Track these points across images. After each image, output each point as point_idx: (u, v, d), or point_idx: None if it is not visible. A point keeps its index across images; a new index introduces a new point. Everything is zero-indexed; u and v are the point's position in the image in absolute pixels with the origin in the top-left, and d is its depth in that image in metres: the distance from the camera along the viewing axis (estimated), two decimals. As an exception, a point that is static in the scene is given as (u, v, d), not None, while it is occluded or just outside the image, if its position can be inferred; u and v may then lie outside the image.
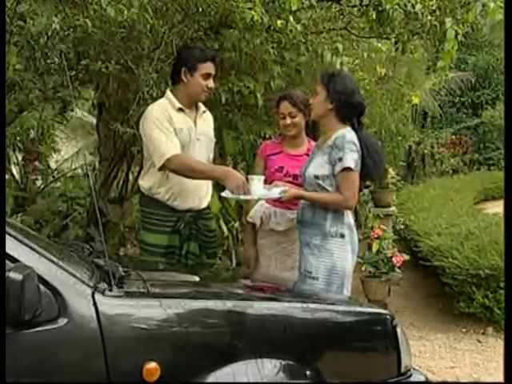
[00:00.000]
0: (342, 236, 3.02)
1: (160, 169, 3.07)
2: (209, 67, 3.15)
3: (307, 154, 3.36)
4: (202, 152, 3.22)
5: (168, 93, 3.25)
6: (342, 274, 3.01)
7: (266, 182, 3.51)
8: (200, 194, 3.23)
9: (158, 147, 3.06)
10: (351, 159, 2.93)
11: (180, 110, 3.17)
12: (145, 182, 3.22)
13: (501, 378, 3.00)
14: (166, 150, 3.03)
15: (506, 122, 2.77)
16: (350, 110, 3.03)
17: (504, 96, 2.80)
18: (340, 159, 2.93)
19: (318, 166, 3.03)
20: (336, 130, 3.03)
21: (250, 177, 3.00)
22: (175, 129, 3.11)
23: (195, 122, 3.21)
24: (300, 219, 3.14)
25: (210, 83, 3.18)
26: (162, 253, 3.15)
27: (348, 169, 2.93)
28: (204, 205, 3.26)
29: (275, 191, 3.02)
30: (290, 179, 3.35)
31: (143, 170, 3.31)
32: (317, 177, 3.01)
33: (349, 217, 3.07)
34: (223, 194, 3.03)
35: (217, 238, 3.51)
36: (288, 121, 3.41)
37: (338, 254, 3.01)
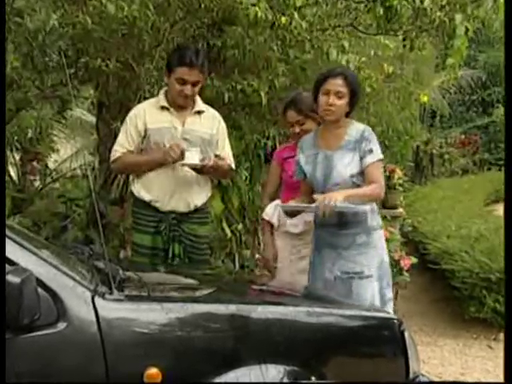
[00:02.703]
0: (381, 227, 3.15)
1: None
2: (183, 73, 3.08)
3: None
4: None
5: (161, 92, 3.28)
6: (387, 265, 3.12)
7: (283, 184, 3.51)
8: (186, 196, 3.21)
9: (117, 140, 3.25)
10: (380, 151, 3.05)
11: (164, 108, 3.18)
12: (133, 183, 3.30)
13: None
14: (113, 154, 3.23)
15: (506, 122, 2.76)
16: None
17: (505, 95, 2.79)
18: (371, 151, 3.00)
19: (350, 165, 3.02)
20: (346, 126, 3.07)
21: (187, 148, 3.10)
22: (149, 129, 3.16)
23: (184, 122, 3.20)
24: (339, 222, 3.04)
25: (187, 89, 3.11)
26: (148, 253, 3.21)
27: (380, 160, 3.04)
28: (191, 208, 3.24)
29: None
30: None
31: None
32: (352, 176, 3.02)
33: None
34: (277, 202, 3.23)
35: (206, 245, 3.43)
36: (297, 129, 3.39)
37: (382, 246, 3.12)
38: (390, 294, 3.12)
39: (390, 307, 3.07)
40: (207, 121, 3.29)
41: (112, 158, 3.24)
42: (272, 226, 3.51)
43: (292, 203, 3.11)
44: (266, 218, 3.51)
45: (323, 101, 3.03)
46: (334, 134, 3.09)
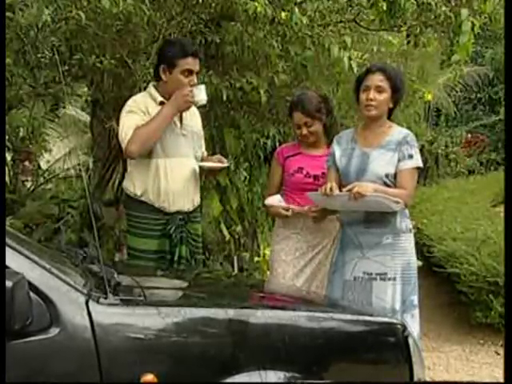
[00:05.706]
0: (410, 230, 3.13)
1: (129, 157, 3.10)
2: (189, 63, 3.11)
3: (327, 155, 3.35)
4: (189, 148, 3.22)
5: (150, 87, 3.24)
6: (414, 269, 3.13)
7: (284, 184, 3.50)
8: (190, 194, 3.21)
9: (121, 130, 3.06)
10: (420, 159, 3.07)
11: (162, 104, 3.15)
12: (129, 184, 3.20)
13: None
14: (123, 138, 3.03)
15: (506, 123, 2.77)
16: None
17: (504, 95, 2.82)
18: (411, 156, 3.03)
19: (387, 164, 3.04)
20: (389, 127, 3.11)
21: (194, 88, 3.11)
22: None
23: (181, 118, 3.21)
24: (366, 219, 3.07)
25: (193, 80, 3.14)
26: (151, 258, 3.16)
27: (418, 168, 3.07)
28: (195, 206, 3.25)
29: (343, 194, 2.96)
30: (311, 180, 3.35)
31: (127, 171, 3.31)
32: (387, 175, 3.04)
33: None
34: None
35: (201, 244, 3.46)
36: (304, 131, 3.39)
37: (410, 250, 3.12)
38: (415, 300, 3.13)
39: (412, 314, 3.09)
40: (193, 115, 3.33)
41: (125, 142, 3.02)
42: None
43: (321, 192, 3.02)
44: (267, 202, 3.45)
45: (363, 97, 3.04)
46: (374, 133, 3.11)
